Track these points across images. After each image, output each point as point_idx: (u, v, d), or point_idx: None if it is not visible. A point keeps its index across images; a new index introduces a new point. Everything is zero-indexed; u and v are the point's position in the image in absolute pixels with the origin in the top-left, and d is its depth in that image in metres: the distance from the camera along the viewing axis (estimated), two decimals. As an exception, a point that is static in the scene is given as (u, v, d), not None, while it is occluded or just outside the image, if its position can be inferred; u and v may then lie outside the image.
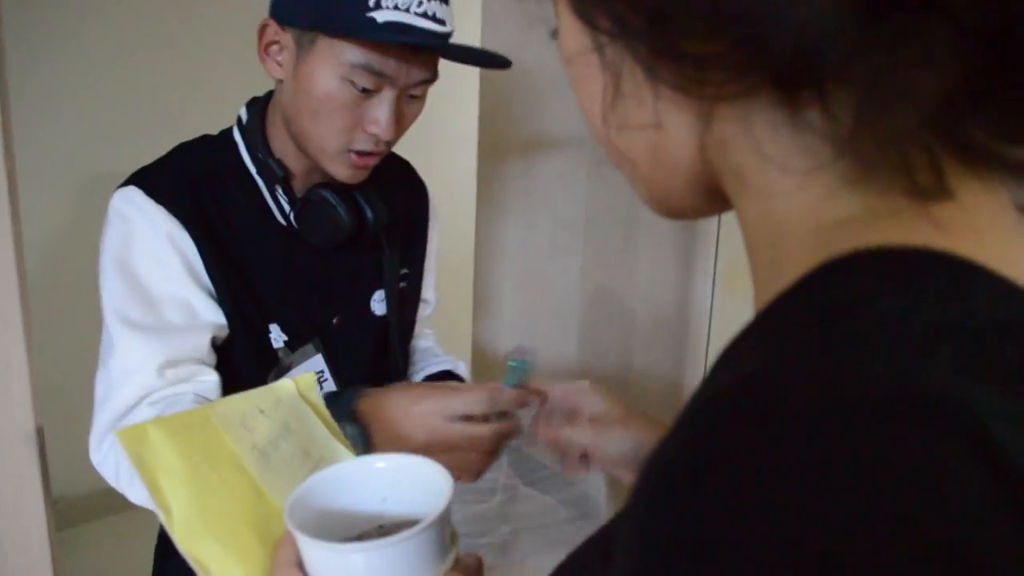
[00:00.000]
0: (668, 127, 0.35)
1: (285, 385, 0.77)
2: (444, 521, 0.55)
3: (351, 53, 0.89)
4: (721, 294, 1.22)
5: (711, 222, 1.20)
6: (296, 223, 1.02)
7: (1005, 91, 0.29)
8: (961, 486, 0.22)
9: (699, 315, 1.22)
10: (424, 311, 1.24)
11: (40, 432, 0.85)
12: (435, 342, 1.28)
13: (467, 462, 0.85)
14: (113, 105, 2.49)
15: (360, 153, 0.96)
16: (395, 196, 1.12)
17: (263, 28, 0.95)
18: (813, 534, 0.22)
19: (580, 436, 0.77)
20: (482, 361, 1.67)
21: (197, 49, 2.54)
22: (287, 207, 1.03)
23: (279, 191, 1.02)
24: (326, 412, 0.76)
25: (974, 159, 0.31)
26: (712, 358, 1.26)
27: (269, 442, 0.71)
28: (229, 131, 1.05)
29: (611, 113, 0.37)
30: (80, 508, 2.65)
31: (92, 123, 2.50)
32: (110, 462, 0.92)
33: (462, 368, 1.24)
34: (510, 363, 0.87)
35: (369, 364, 1.11)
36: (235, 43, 2.45)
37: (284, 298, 1.03)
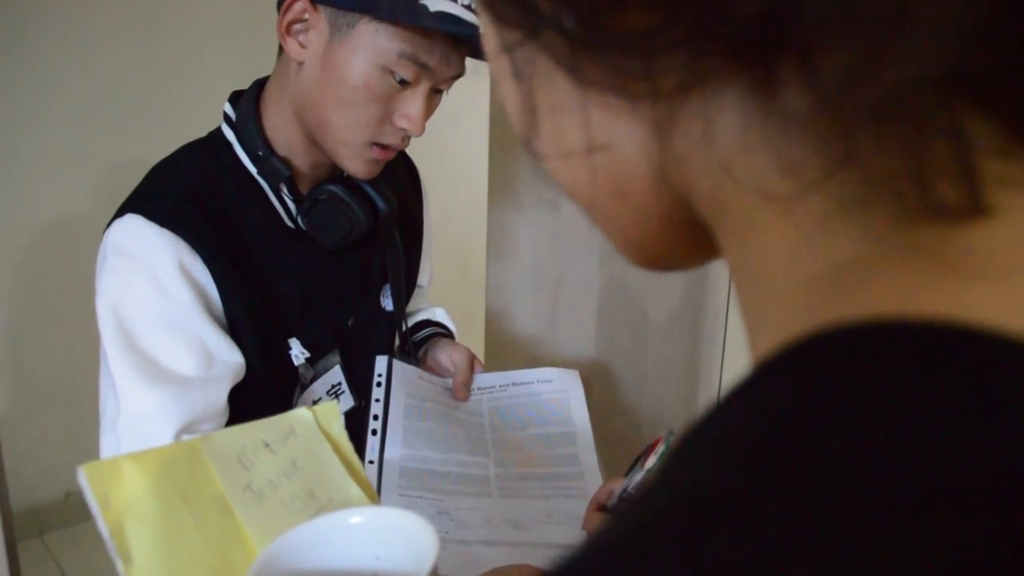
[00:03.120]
0: (613, 148, 0.26)
1: (301, 415, 0.68)
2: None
3: (398, 41, 0.83)
4: (737, 300, 1.20)
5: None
6: (305, 224, 0.95)
7: None
8: None
9: (714, 315, 1.20)
10: (419, 295, 1.20)
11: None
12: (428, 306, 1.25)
13: None
14: (109, 98, 2.49)
15: (382, 147, 0.90)
16: (399, 184, 1.06)
17: (289, 4, 0.85)
18: None
19: None
20: (494, 356, 1.66)
21: (194, 41, 2.54)
22: (293, 208, 0.95)
23: (284, 192, 0.94)
24: (347, 446, 0.68)
25: None
26: (728, 358, 1.23)
27: (268, 481, 0.63)
28: (218, 131, 0.95)
29: (535, 137, 0.28)
30: (84, 507, 2.66)
31: (88, 117, 2.50)
32: None
33: (439, 314, 1.21)
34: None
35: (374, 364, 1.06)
36: (233, 34, 2.45)
37: (302, 309, 0.96)
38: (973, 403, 0.18)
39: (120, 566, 0.55)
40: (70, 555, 2.51)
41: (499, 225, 1.58)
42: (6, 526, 0.80)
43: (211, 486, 0.60)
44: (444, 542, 0.93)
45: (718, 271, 1.18)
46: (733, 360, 1.17)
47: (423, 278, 1.19)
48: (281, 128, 0.93)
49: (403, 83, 0.86)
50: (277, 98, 0.92)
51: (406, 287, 1.11)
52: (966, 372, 0.18)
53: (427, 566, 0.48)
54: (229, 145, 0.94)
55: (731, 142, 0.24)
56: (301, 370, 0.97)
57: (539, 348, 1.57)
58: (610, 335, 1.44)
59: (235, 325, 0.89)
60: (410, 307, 1.19)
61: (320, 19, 0.85)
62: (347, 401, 1.01)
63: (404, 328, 1.13)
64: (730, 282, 1.21)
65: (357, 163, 0.90)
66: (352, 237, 0.96)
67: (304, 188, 0.96)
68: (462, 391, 1.07)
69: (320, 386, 0.99)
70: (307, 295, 0.96)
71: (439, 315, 1.21)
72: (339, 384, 1.01)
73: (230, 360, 0.88)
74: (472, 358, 1.11)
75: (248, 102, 0.94)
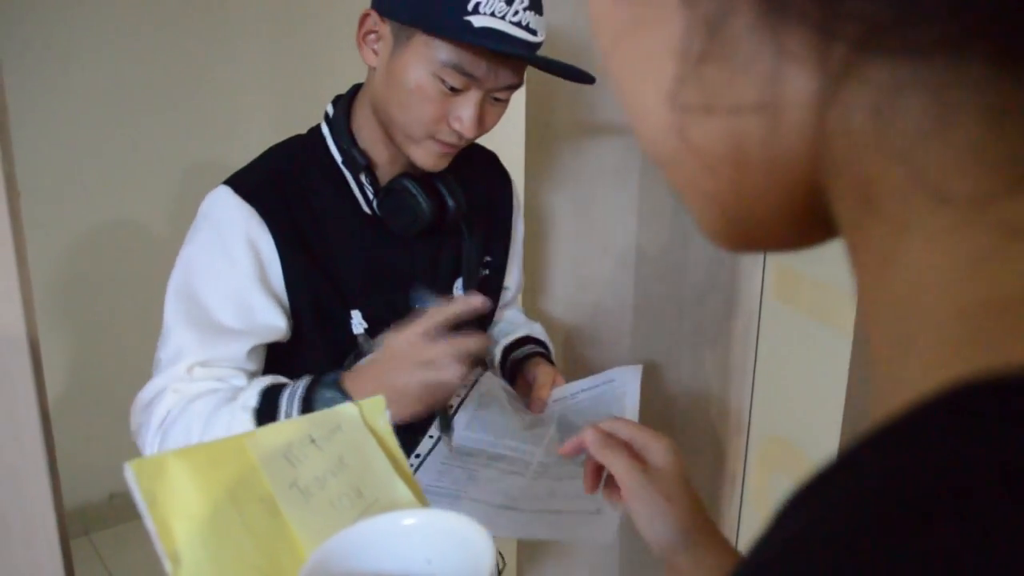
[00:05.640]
0: (774, 109, 0.22)
1: (347, 410, 0.68)
2: None
3: (444, 52, 0.93)
4: (771, 302, 1.18)
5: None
6: (379, 211, 1.05)
7: None
8: None
9: (746, 323, 1.19)
10: (505, 298, 1.27)
11: (48, 434, 0.84)
12: (517, 313, 1.31)
13: (437, 375, 0.90)
14: (135, 107, 2.54)
15: (444, 143, 1.00)
16: (477, 185, 1.15)
17: (364, 17, 0.99)
18: None
19: (626, 430, 0.70)
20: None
21: (218, 50, 2.58)
22: (371, 196, 1.06)
23: (364, 180, 1.06)
24: (392, 442, 0.69)
25: None
26: (760, 368, 1.21)
27: (315, 479, 0.63)
28: (318, 127, 1.09)
29: (692, 83, 0.24)
30: (135, 504, 2.71)
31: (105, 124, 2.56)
32: (142, 434, 1.02)
33: (537, 330, 1.27)
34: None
35: None
36: (250, 43, 2.49)
37: (367, 285, 1.06)
38: None
39: (168, 566, 0.54)
40: (116, 555, 2.57)
41: (536, 231, 1.58)
42: (60, 525, 0.82)
43: (258, 484, 0.60)
44: (456, 498, 0.97)
45: (749, 283, 1.17)
46: (766, 360, 1.16)
47: (510, 280, 1.26)
48: (364, 125, 1.05)
49: (454, 90, 0.95)
50: (363, 100, 1.06)
51: (491, 285, 1.20)
52: None
53: (485, 569, 0.47)
54: (323, 138, 1.07)
55: (920, 126, 0.20)
56: (360, 339, 1.06)
57: (574, 354, 1.57)
58: (646, 339, 1.44)
59: (295, 294, 1.01)
60: (503, 312, 1.28)
61: (387, 31, 0.97)
62: None
63: (495, 339, 1.23)
64: (762, 294, 1.20)
65: (422, 155, 1.01)
66: (418, 226, 1.06)
67: (384, 179, 1.07)
68: (537, 404, 1.13)
69: None
70: (373, 274, 1.07)
71: (537, 331, 1.27)
72: None
73: (269, 323, 1.00)
74: (554, 375, 1.16)
75: (343, 102, 1.07)
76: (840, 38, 0.20)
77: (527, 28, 0.93)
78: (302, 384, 0.95)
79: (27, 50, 2.27)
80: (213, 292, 0.99)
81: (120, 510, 2.66)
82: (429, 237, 1.09)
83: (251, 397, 0.95)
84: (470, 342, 0.91)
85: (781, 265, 1.16)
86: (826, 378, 0.97)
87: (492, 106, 1.00)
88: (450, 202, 1.08)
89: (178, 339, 0.99)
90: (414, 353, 0.90)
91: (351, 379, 0.94)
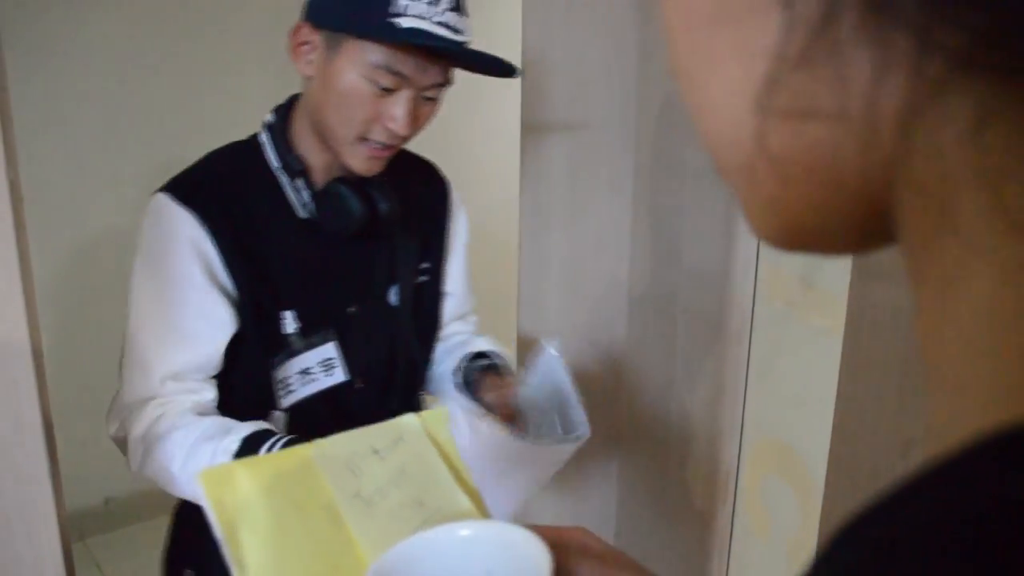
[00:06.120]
0: (870, 118, 0.21)
1: (409, 422, 0.69)
2: None
3: (374, 54, 0.99)
4: (764, 303, 1.20)
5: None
6: (312, 213, 1.11)
7: None
8: None
9: (739, 323, 1.21)
10: (449, 305, 1.29)
11: (51, 438, 0.85)
12: (471, 336, 1.32)
13: None
14: (137, 112, 2.54)
15: (376, 145, 1.04)
16: (411, 192, 1.19)
17: (297, 29, 1.04)
18: None
19: None
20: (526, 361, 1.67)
21: (219, 54, 2.59)
22: (307, 200, 1.11)
23: (300, 185, 1.10)
24: (454, 452, 0.70)
25: None
26: (753, 369, 1.22)
27: (377, 489, 0.63)
28: (257, 134, 1.14)
29: (784, 87, 0.22)
30: (130, 508, 2.71)
31: (108, 129, 2.56)
32: (121, 438, 1.08)
33: (485, 344, 1.28)
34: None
35: (381, 353, 1.18)
36: (250, 47, 2.50)
37: (300, 286, 1.11)
38: None
39: (235, 571, 0.56)
40: (111, 560, 2.57)
41: (531, 238, 1.59)
42: (61, 529, 0.82)
43: (322, 493, 0.61)
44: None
45: (742, 283, 1.19)
46: (759, 362, 1.17)
47: (452, 286, 1.28)
48: (301, 132, 1.11)
49: (386, 90, 1.01)
50: (300, 109, 1.11)
51: (428, 290, 1.24)
52: None
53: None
54: (261, 145, 1.12)
55: (1011, 151, 0.19)
56: (292, 339, 1.11)
57: (571, 355, 1.58)
58: (640, 339, 1.45)
59: (237, 292, 1.07)
60: (448, 318, 1.30)
61: (319, 40, 1.02)
62: (339, 376, 1.15)
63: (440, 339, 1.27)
64: (755, 294, 1.21)
65: (355, 158, 1.06)
66: (351, 228, 1.10)
67: (319, 185, 1.12)
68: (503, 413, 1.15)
69: (313, 356, 1.13)
70: (307, 275, 1.12)
71: (485, 344, 1.28)
72: (332, 359, 1.15)
73: (227, 319, 1.06)
74: (503, 386, 1.18)
75: (282, 111, 1.13)
76: (940, 48, 0.19)
77: (451, 28, 0.99)
78: (283, 440, 0.99)
79: (29, 55, 2.28)
80: (172, 298, 1.05)
81: (115, 515, 2.66)
82: (363, 241, 1.14)
83: (234, 442, 1.00)
84: None
85: (774, 267, 1.17)
86: (817, 379, 0.99)
87: (423, 105, 1.05)
88: (382, 205, 1.12)
89: (144, 348, 1.06)
90: None
91: None
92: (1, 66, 0.75)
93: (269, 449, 0.98)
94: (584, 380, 1.57)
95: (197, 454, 1.00)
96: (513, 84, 1.64)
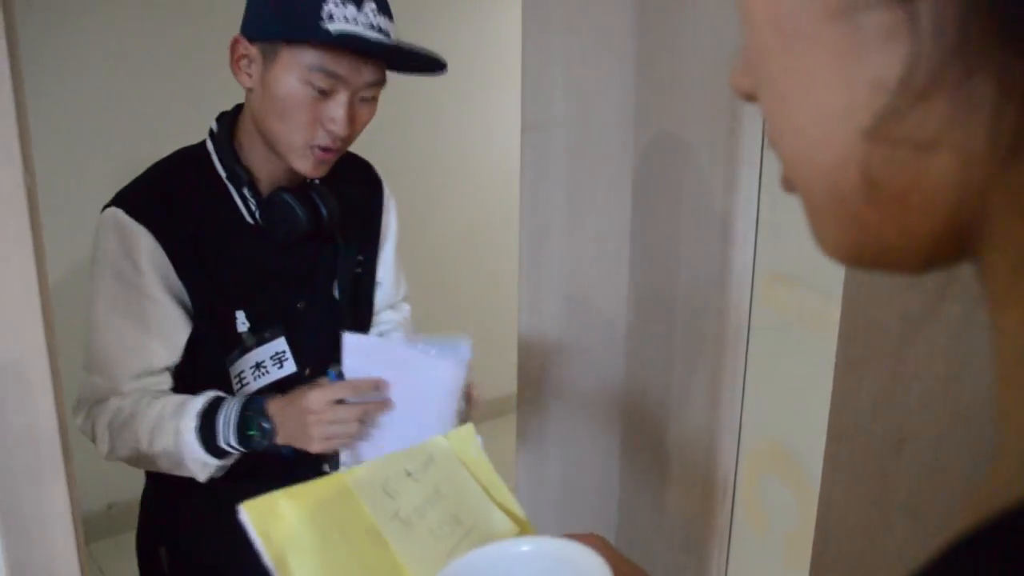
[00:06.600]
0: (981, 152, 0.21)
1: (437, 443, 0.72)
2: None
3: (309, 58, 1.05)
4: (760, 308, 1.22)
5: (749, 229, 1.20)
6: (261, 222, 1.18)
7: None
8: None
9: (737, 326, 1.23)
10: (380, 294, 1.39)
11: (64, 435, 0.87)
12: (397, 323, 1.44)
13: (343, 429, 1.06)
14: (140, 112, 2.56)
15: (322, 148, 1.10)
16: (350, 193, 1.28)
17: (234, 44, 1.10)
18: None
19: None
20: (527, 370, 1.68)
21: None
22: (253, 207, 1.18)
23: (246, 193, 1.17)
24: (486, 468, 0.73)
25: None
26: (751, 372, 1.24)
27: (414, 509, 0.65)
28: (203, 143, 1.20)
29: (903, 117, 0.22)
30: (133, 513, 2.73)
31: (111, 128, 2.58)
32: (88, 428, 1.18)
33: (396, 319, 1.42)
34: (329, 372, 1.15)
35: (326, 343, 1.23)
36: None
37: (250, 288, 1.19)
38: None
39: None
40: (114, 564, 2.58)
41: (531, 243, 1.61)
42: (75, 524, 0.84)
43: (363, 518, 0.63)
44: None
45: (739, 289, 1.21)
46: (756, 365, 1.19)
47: (381, 275, 1.38)
48: (246, 142, 1.17)
49: (323, 93, 1.06)
50: (244, 119, 1.17)
51: (364, 281, 1.34)
52: None
53: None
54: (208, 155, 1.18)
55: None
56: (244, 336, 1.19)
57: (570, 365, 1.60)
58: (640, 344, 1.47)
59: (191, 297, 1.15)
60: (380, 306, 1.40)
61: (256, 52, 1.09)
62: (289, 368, 1.23)
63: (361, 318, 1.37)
64: (751, 300, 1.23)
65: (303, 163, 1.12)
66: (297, 233, 1.17)
67: (264, 191, 1.19)
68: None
69: (265, 351, 1.21)
70: (256, 277, 1.20)
71: (396, 320, 1.42)
72: (283, 352, 1.22)
73: (181, 322, 1.15)
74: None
75: (226, 121, 1.19)
76: None
77: (379, 30, 1.06)
78: (235, 409, 1.10)
79: (38, 58, 2.30)
80: (129, 308, 1.13)
81: (118, 520, 2.67)
82: (306, 243, 1.21)
83: (192, 419, 1.10)
84: (368, 410, 1.07)
85: (771, 273, 1.20)
86: (813, 380, 1.01)
87: (361, 106, 1.11)
88: (324, 210, 1.20)
89: (104, 353, 1.15)
90: (326, 414, 1.05)
91: (275, 411, 1.09)
92: (19, 77, 0.77)
93: (225, 423, 1.09)
94: (585, 382, 1.59)
95: (162, 432, 1.10)
96: (515, 88, 1.66)
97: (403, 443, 0.71)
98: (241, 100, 1.22)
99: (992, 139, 0.21)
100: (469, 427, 0.73)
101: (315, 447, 1.07)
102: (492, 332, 3.20)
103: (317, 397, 1.05)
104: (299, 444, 1.08)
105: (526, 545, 0.55)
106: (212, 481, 1.16)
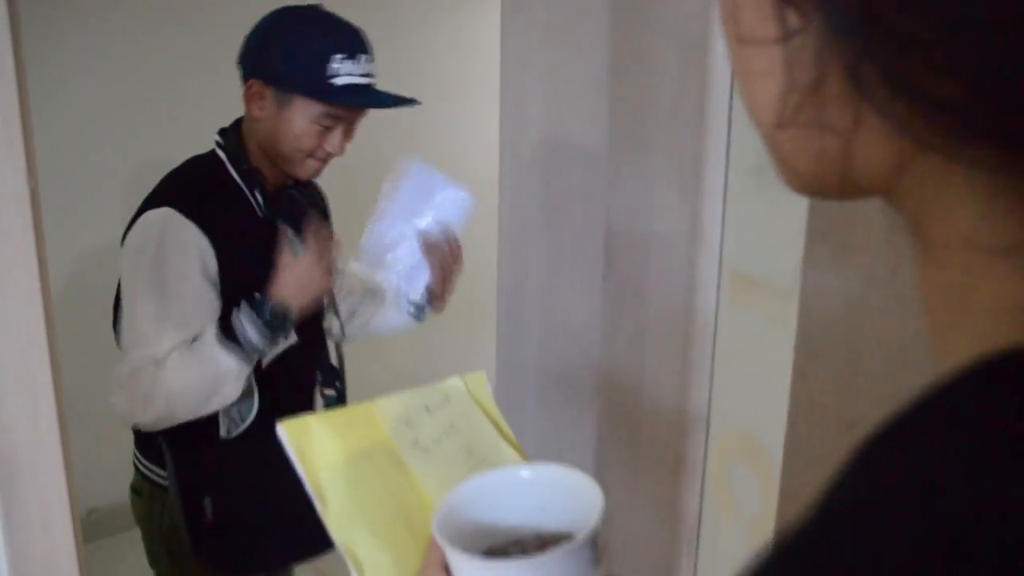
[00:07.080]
0: (856, 152, 0.29)
1: (454, 384, 0.81)
2: (597, 535, 0.53)
3: (319, 107, 1.40)
4: (727, 307, 1.28)
5: (715, 231, 1.26)
6: (271, 216, 1.48)
7: None
8: None
9: (703, 328, 1.29)
10: (339, 279, 1.69)
11: (64, 430, 0.90)
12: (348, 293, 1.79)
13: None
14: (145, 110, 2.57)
15: (318, 160, 1.46)
16: (314, 191, 1.66)
17: (250, 86, 1.42)
18: None
19: None
20: (507, 369, 1.73)
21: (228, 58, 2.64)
22: (264, 205, 1.48)
23: (258, 193, 1.47)
24: (495, 411, 0.82)
25: None
26: (717, 367, 1.30)
27: (432, 439, 0.73)
28: (212, 152, 1.49)
29: (797, 111, 0.30)
30: (114, 519, 2.74)
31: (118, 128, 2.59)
32: (127, 399, 1.36)
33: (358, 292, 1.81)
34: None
35: (314, 313, 1.55)
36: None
37: (264, 272, 1.42)
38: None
39: (319, 506, 0.65)
40: (95, 569, 2.58)
41: (509, 241, 1.66)
42: (73, 516, 0.87)
43: (386, 443, 0.71)
44: None
45: (706, 288, 1.27)
46: (722, 360, 1.25)
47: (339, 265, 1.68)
48: (252, 152, 1.48)
49: (327, 128, 1.42)
50: (249, 135, 1.49)
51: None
52: None
53: (594, 516, 0.53)
54: (222, 162, 1.48)
55: (962, 198, 0.26)
56: (256, 297, 1.41)
57: (548, 364, 1.65)
58: (614, 340, 1.53)
59: (223, 281, 1.42)
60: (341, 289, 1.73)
61: (270, 94, 1.42)
62: (292, 337, 1.51)
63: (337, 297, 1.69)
64: (718, 298, 1.29)
65: (303, 170, 1.48)
66: (302, 221, 1.47)
67: (270, 191, 1.50)
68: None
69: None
70: (268, 263, 1.41)
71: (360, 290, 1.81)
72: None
73: (215, 303, 1.42)
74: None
75: (234, 133, 1.49)
76: (913, 135, 0.26)
77: (370, 76, 1.42)
78: (243, 308, 1.36)
79: (40, 56, 2.32)
80: (172, 291, 1.36)
81: (99, 526, 2.68)
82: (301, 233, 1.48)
83: (211, 331, 1.36)
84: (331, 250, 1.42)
85: (736, 272, 1.26)
86: (774, 371, 1.07)
87: (351, 130, 1.48)
88: (320, 204, 1.62)
89: (144, 330, 1.36)
90: (314, 259, 1.38)
91: (275, 290, 1.36)
92: (23, 78, 0.81)
93: (240, 323, 1.35)
94: (560, 380, 1.64)
95: (186, 362, 1.33)
96: (494, 99, 1.71)
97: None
98: (237, 105, 1.45)
99: (849, 156, 0.29)
100: (482, 374, 0.83)
101: (325, 281, 1.40)
102: (469, 332, 3.25)
103: (302, 256, 1.37)
104: (311, 291, 1.38)
105: (526, 471, 0.62)
106: (236, 439, 1.41)
